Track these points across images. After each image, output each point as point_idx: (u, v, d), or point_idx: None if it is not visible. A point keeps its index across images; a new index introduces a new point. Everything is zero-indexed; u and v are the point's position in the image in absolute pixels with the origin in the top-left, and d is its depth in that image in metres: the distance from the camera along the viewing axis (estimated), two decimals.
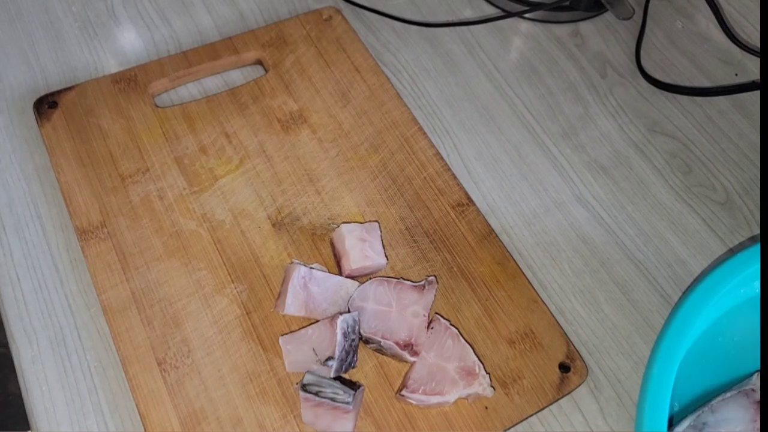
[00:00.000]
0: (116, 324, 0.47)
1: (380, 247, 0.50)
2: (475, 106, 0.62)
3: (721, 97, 0.64)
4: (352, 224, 0.50)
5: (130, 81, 0.58)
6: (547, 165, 0.59)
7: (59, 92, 0.57)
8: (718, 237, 0.56)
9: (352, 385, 0.43)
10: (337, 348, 0.43)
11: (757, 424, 0.43)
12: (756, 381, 0.45)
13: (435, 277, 0.49)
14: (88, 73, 0.60)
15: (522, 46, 0.66)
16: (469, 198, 0.54)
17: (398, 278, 0.49)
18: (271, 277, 0.50)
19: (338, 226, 0.50)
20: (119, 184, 0.53)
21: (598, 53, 0.66)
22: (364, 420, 0.45)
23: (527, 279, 0.51)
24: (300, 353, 0.45)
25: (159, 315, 0.47)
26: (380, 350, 0.47)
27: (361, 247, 0.49)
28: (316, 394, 0.42)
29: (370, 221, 0.52)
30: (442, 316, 0.48)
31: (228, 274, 0.49)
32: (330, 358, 0.43)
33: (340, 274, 0.49)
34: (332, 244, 0.50)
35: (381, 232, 0.51)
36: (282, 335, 0.46)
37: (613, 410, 0.48)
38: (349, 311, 0.46)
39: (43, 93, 0.57)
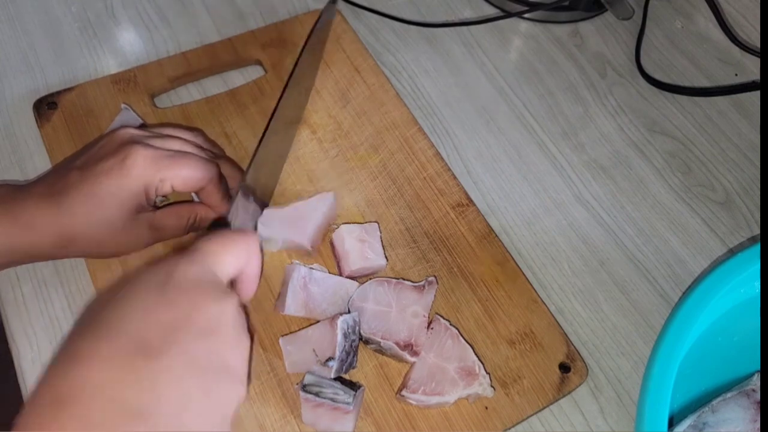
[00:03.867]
0: None
1: (380, 247, 0.50)
2: (475, 107, 0.62)
3: (720, 97, 0.64)
4: (352, 225, 0.50)
5: (130, 81, 0.58)
6: (547, 165, 0.59)
7: (59, 93, 0.57)
8: (718, 237, 0.56)
9: (353, 386, 0.43)
10: (337, 348, 0.43)
11: (757, 425, 0.43)
12: (756, 381, 0.45)
13: (435, 277, 0.49)
14: (87, 74, 0.60)
15: (522, 46, 0.66)
16: (468, 198, 0.54)
17: (398, 279, 0.49)
18: (271, 277, 0.50)
19: (338, 227, 0.50)
20: None
21: (598, 53, 0.66)
22: (364, 420, 0.45)
23: (527, 279, 0.51)
24: (300, 354, 0.45)
25: None
26: (380, 350, 0.47)
27: (361, 247, 0.49)
28: (317, 394, 0.42)
29: (369, 222, 0.52)
30: (442, 317, 0.48)
31: None
32: (330, 358, 0.43)
33: (340, 274, 0.49)
34: (332, 244, 0.50)
35: (381, 232, 0.51)
36: (282, 336, 0.46)
37: (613, 410, 0.48)
38: (349, 311, 0.46)
39: (42, 94, 0.57)
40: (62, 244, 0.42)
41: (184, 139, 0.47)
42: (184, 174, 0.44)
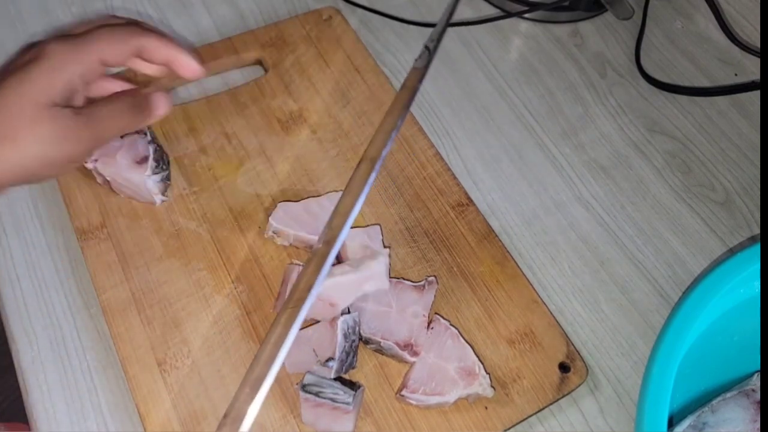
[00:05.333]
0: (116, 324, 0.47)
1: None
2: (475, 106, 0.62)
3: (720, 97, 0.64)
4: (355, 229, 0.49)
5: (130, 81, 0.58)
6: (547, 165, 0.59)
7: None
8: (717, 237, 0.56)
9: (352, 386, 0.43)
10: (337, 349, 0.43)
11: (757, 425, 0.43)
12: (756, 381, 0.45)
13: (435, 277, 0.49)
14: None
15: (522, 46, 0.66)
16: (468, 198, 0.54)
17: (398, 278, 0.49)
18: (270, 277, 0.50)
19: None
20: None
21: (598, 53, 0.66)
22: (364, 420, 0.45)
23: (527, 279, 0.51)
24: (300, 354, 0.45)
25: (159, 315, 0.47)
26: (380, 350, 0.47)
27: (364, 254, 0.48)
28: (317, 394, 0.42)
29: (371, 225, 0.51)
30: (442, 316, 0.48)
31: (228, 274, 0.49)
32: (330, 359, 0.43)
33: None
34: None
35: (383, 235, 0.51)
36: None
37: (613, 410, 0.48)
38: (349, 312, 0.46)
39: None
40: None
41: (97, 23, 0.42)
42: (103, 44, 0.39)
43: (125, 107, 0.41)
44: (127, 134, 0.50)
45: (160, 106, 0.42)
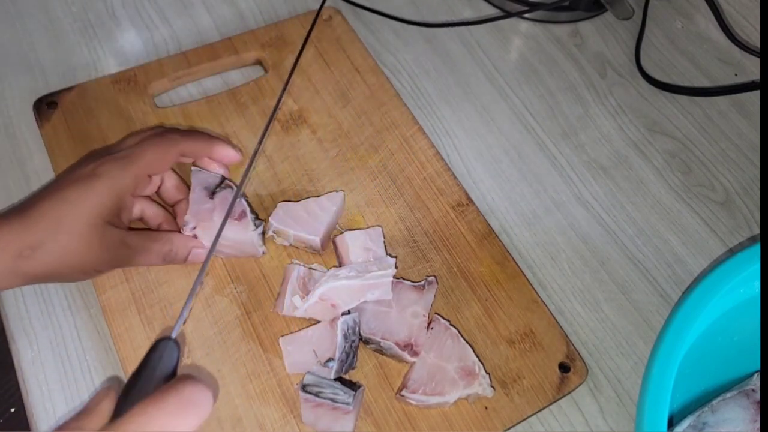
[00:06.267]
0: (116, 324, 0.47)
1: (383, 253, 0.49)
2: (475, 106, 0.62)
3: (720, 97, 0.64)
4: (357, 232, 0.49)
5: (130, 81, 0.58)
6: (547, 165, 0.59)
7: (59, 92, 0.57)
8: (717, 237, 0.56)
9: (352, 386, 0.43)
10: (337, 350, 0.43)
11: (757, 425, 0.43)
12: (756, 381, 0.45)
13: (435, 277, 0.49)
14: (87, 74, 0.60)
15: (522, 46, 0.66)
16: (468, 198, 0.54)
17: (398, 278, 0.49)
18: (270, 277, 0.50)
19: (343, 233, 0.50)
20: None
21: (598, 53, 0.66)
22: (364, 420, 0.45)
23: (527, 279, 0.51)
24: (300, 354, 0.45)
25: (159, 315, 0.47)
26: (380, 350, 0.47)
27: (366, 256, 0.48)
28: (317, 394, 0.42)
29: (373, 226, 0.51)
30: (441, 317, 0.48)
31: (228, 274, 0.49)
32: (330, 359, 0.43)
33: None
34: (334, 243, 0.50)
35: (384, 237, 0.51)
36: (282, 336, 0.46)
37: (613, 410, 0.48)
38: (349, 312, 0.46)
39: (42, 93, 0.57)
40: (24, 254, 0.40)
41: (141, 136, 0.48)
42: (149, 157, 0.45)
43: (157, 248, 0.46)
44: (216, 191, 0.48)
45: (191, 255, 0.48)
